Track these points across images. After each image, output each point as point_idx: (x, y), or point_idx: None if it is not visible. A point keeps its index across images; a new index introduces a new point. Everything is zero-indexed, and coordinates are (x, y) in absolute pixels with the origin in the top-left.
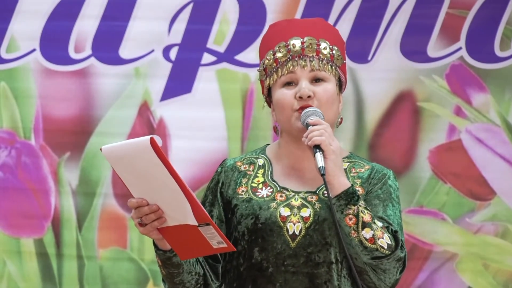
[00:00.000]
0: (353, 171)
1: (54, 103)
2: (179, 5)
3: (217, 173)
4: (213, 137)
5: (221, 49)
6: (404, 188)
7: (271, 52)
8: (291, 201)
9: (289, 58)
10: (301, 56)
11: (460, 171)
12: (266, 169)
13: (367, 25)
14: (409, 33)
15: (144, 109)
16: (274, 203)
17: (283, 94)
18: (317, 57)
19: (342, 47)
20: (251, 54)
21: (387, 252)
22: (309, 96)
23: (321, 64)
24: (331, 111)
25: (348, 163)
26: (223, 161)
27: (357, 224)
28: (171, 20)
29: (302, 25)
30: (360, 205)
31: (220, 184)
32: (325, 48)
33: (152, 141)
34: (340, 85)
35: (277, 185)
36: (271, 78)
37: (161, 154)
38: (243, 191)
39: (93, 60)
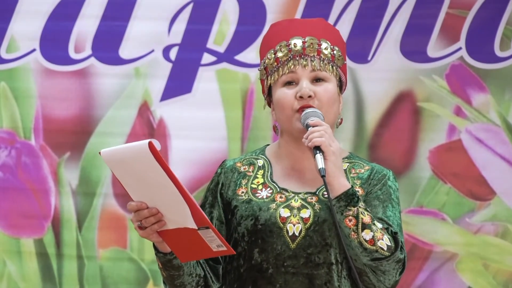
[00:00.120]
0: (353, 171)
1: (54, 103)
2: (179, 5)
3: (216, 174)
4: (213, 137)
5: (221, 49)
6: (404, 188)
7: (272, 51)
8: (291, 202)
9: (290, 57)
10: (302, 56)
11: (460, 171)
12: (266, 170)
13: (367, 25)
14: (409, 33)
15: (144, 109)
16: (274, 204)
17: (283, 94)
18: (318, 57)
19: (343, 47)
20: (251, 54)
21: (387, 253)
22: (309, 96)
23: (322, 64)
24: (332, 111)
25: (348, 164)
26: (222, 162)
27: (357, 225)
28: (171, 20)
29: (304, 25)
30: (360, 207)
31: (220, 185)
32: (326, 48)
33: (150, 145)
34: (341, 86)
35: (276, 186)
36: (272, 77)
37: (160, 158)
38: (242, 192)
39: (93, 60)
